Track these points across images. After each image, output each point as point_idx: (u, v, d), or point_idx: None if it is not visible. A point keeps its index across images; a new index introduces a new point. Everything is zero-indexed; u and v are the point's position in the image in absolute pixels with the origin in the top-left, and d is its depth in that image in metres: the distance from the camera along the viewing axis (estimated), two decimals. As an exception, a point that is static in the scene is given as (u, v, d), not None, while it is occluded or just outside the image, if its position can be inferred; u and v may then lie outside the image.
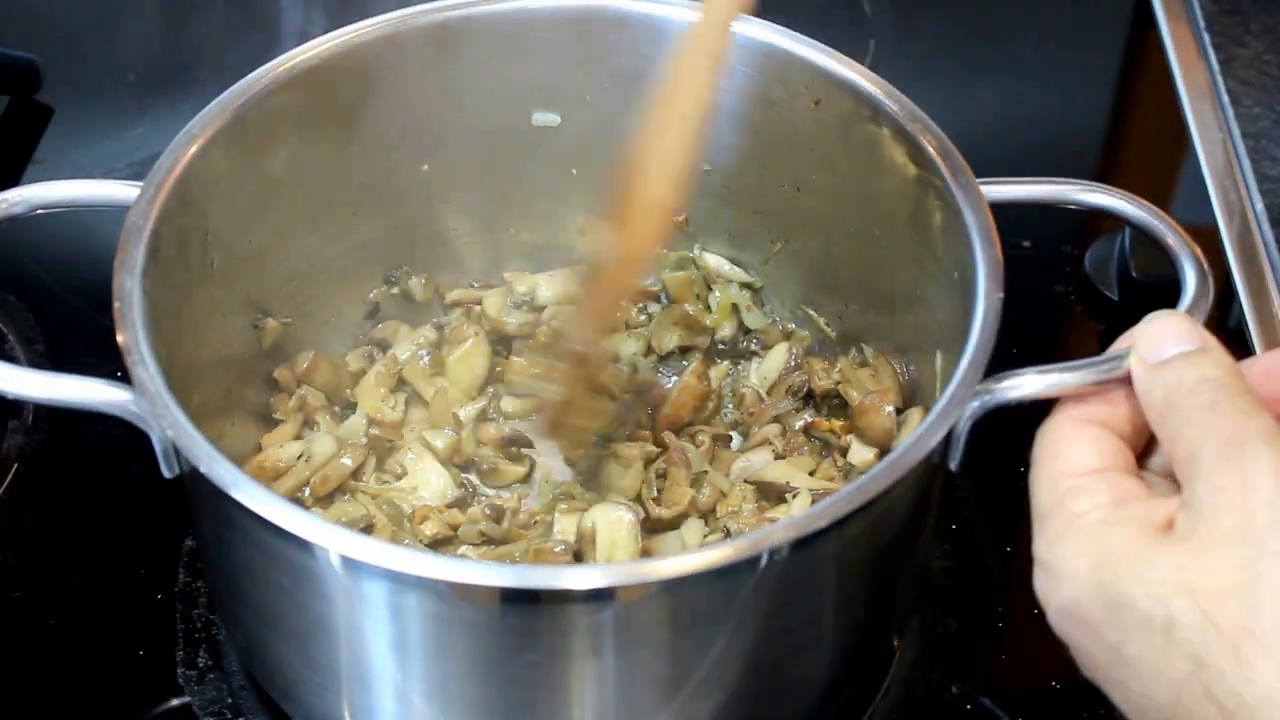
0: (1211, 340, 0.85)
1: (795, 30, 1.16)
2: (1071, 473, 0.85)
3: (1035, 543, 0.85)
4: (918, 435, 0.91)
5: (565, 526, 1.12)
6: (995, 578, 1.17)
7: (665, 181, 1.03)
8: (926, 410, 0.95)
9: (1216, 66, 1.60)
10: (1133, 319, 1.33)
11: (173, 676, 1.10)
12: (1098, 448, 0.86)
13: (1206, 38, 1.63)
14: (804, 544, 0.88)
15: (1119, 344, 0.90)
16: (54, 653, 1.12)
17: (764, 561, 0.88)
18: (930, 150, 1.06)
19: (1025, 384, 0.92)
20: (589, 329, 1.10)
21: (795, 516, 0.89)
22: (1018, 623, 1.15)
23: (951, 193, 1.04)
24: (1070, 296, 1.37)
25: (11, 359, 1.28)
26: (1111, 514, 0.82)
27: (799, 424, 1.20)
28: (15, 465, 1.23)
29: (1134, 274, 1.32)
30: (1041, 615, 1.15)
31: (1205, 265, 1.00)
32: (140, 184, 1.03)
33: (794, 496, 1.12)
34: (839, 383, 1.19)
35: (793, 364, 1.22)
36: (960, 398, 0.92)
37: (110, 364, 1.24)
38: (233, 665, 1.10)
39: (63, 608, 1.15)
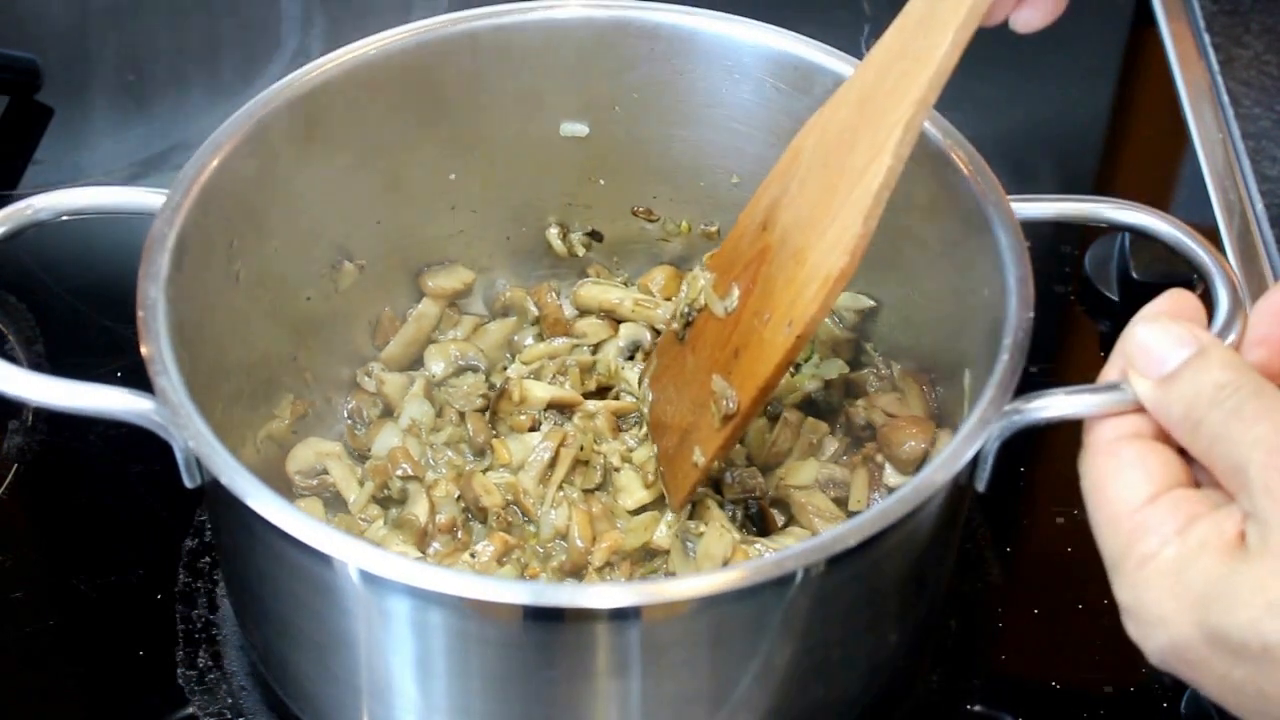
0: (1206, 337, 0.84)
1: (794, 30, 1.16)
2: (1128, 511, 0.83)
3: (1117, 590, 0.83)
4: (944, 458, 0.91)
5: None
6: (995, 578, 1.17)
7: (844, 250, 0.97)
8: (954, 431, 0.95)
9: (1216, 66, 1.60)
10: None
11: (173, 677, 1.10)
12: (1144, 470, 0.84)
13: (1206, 38, 1.63)
14: (831, 564, 0.88)
15: (1110, 368, 0.88)
16: (54, 653, 1.12)
17: (790, 581, 0.88)
18: (962, 167, 1.06)
19: (1054, 405, 0.91)
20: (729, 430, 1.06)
21: (824, 537, 0.89)
22: (1018, 623, 1.15)
23: (982, 211, 1.03)
24: (1070, 296, 1.37)
25: (12, 359, 1.28)
26: (1183, 547, 0.80)
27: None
28: (15, 465, 1.23)
29: (1134, 274, 1.32)
30: (1041, 615, 1.16)
31: (1239, 285, 0.99)
32: (166, 191, 1.03)
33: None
34: (867, 408, 1.19)
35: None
36: (987, 419, 0.92)
37: (110, 365, 1.26)
38: (233, 665, 1.10)
39: (63, 608, 1.15)
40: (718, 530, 1.10)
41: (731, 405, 1.05)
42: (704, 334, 1.10)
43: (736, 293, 1.06)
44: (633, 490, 1.16)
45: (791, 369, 1.24)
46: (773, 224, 1.04)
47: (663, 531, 1.13)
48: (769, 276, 1.03)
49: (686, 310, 1.13)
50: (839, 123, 1.00)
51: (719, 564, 1.08)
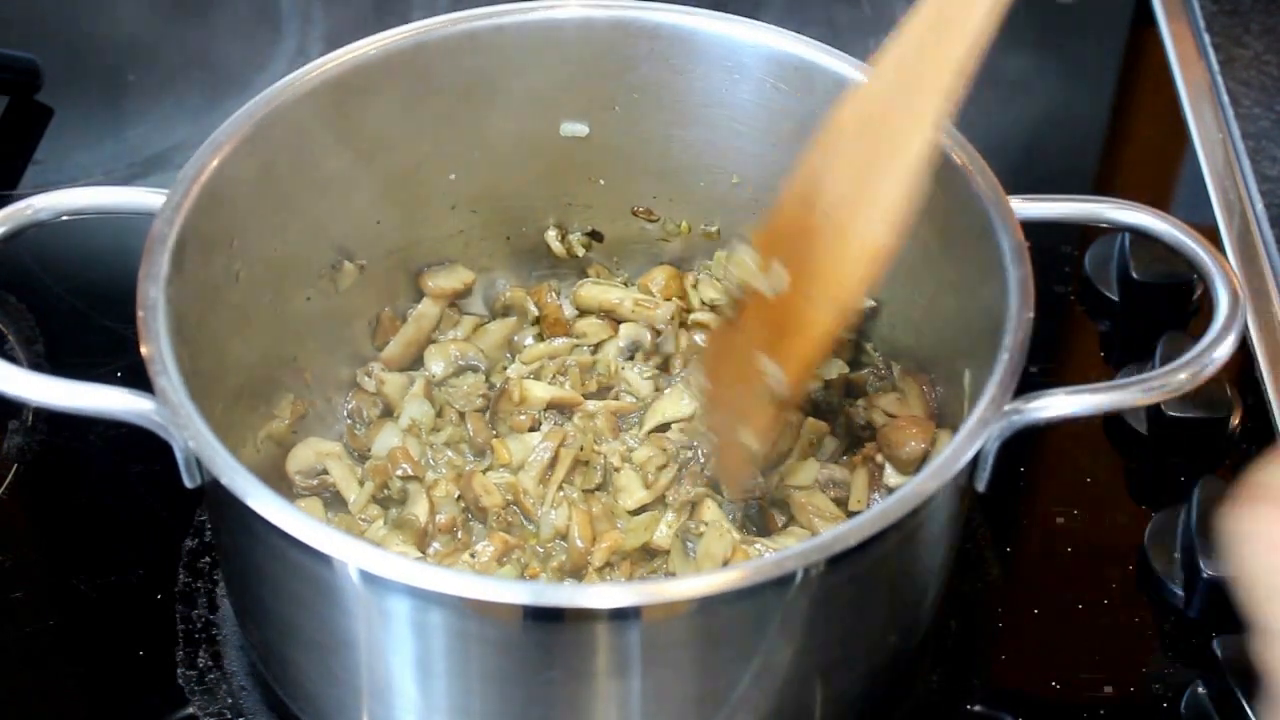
0: None
1: (794, 30, 1.16)
2: None
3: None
4: (944, 458, 0.91)
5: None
6: (995, 578, 1.17)
7: (887, 224, 0.96)
8: (954, 431, 0.95)
9: (1216, 66, 1.60)
10: (1133, 319, 1.34)
11: (173, 677, 1.10)
12: None
13: (1206, 38, 1.63)
14: (831, 564, 0.88)
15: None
16: (54, 653, 1.12)
17: (790, 581, 0.88)
18: (962, 166, 1.06)
19: (1054, 404, 0.92)
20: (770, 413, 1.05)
21: (824, 537, 0.89)
22: (1018, 623, 1.15)
23: (983, 210, 1.03)
24: (1070, 296, 1.37)
25: (11, 359, 1.28)
26: None
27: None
28: (15, 465, 1.23)
29: (1134, 274, 1.32)
30: (1041, 615, 1.16)
31: (1239, 285, 1.00)
32: (166, 191, 1.03)
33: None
34: (867, 408, 1.19)
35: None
36: (987, 419, 0.92)
37: (109, 364, 1.26)
38: (233, 665, 1.10)
39: (63, 608, 1.15)
40: (718, 530, 1.10)
41: (779, 386, 1.03)
42: (749, 315, 1.08)
43: (784, 272, 1.04)
44: (633, 490, 1.16)
45: None
46: (814, 199, 1.02)
47: (663, 531, 1.13)
48: (812, 253, 1.01)
49: (733, 291, 1.11)
50: (876, 95, 0.98)
51: (719, 564, 1.08)
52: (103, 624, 1.14)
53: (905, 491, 0.90)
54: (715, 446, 1.14)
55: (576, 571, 1.11)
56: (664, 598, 0.88)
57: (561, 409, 1.21)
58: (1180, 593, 1.15)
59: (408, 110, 1.17)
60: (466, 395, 1.23)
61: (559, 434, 1.17)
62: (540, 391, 1.20)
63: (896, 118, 0.96)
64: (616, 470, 1.17)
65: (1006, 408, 0.93)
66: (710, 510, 1.13)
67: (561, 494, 1.15)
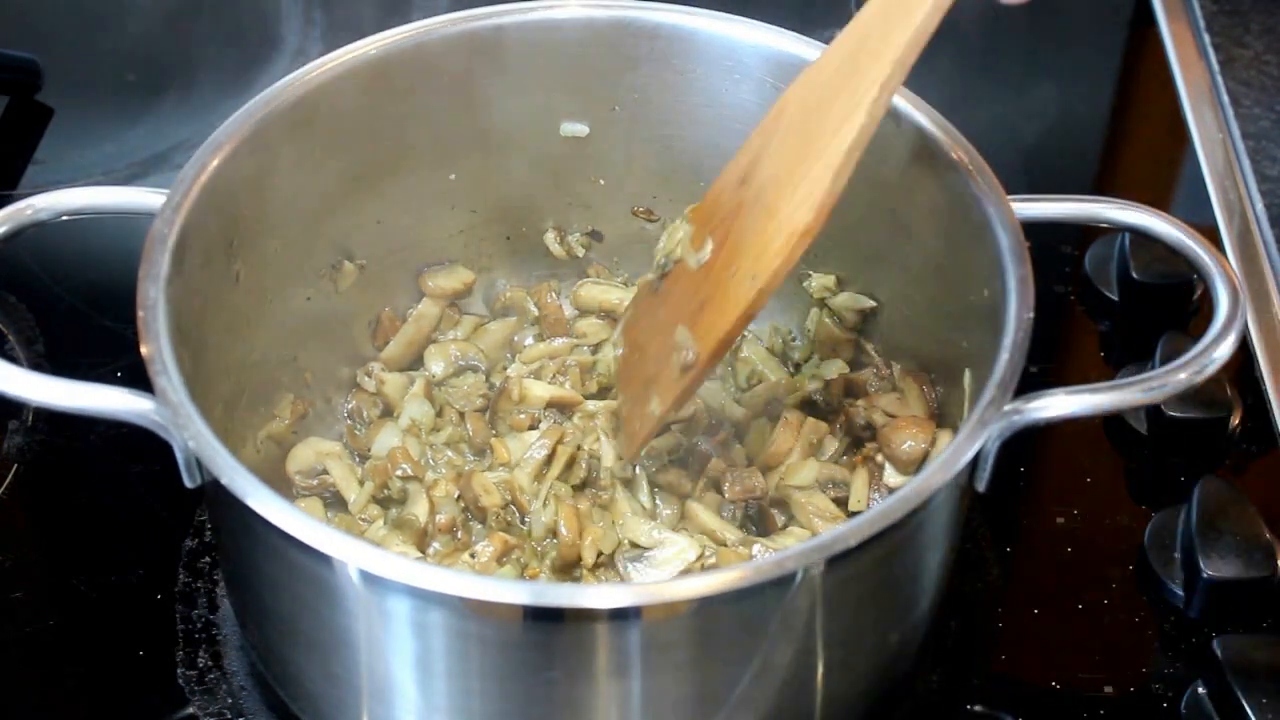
0: None
1: (793, 31, 1.16)
2: None
3: None
4: (944, 458, 0.91)
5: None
6: (995, 578, 1.17)
7: (811, 206, 0.98)
8: (954, 431, 0.95)
9: (1216, 66, 1.60)
10: (1133, 319, 1.34)
11: (173, 677, 1.10)
12: None
13: (1206, 38, 1.63)
14: (831, 564, 0.88)
15: None
16: (54, 653, 1.12)
17: (790, 581, 0.88)
18: (962, 167, 1.06)
19: (1054, 404, 0.92)
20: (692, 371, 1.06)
21: (824, 537, 0.89)
22: (1018, 623, 1.15)
23: (983, 210, 1.03)
24: (1070, 296, 1.37)
25: (12, 359, 1.28)
26: None
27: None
28: (15, 465, 1.23)
29: (1134, 274, 1.32)
30: (1042, 615, 1.16)
31: (1239, 285, 1.00)
32: (166, 191, 1.03)
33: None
34: (867, 408, 1.19)
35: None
36: (987, 419, 0.92)
37: (109, 364, 1.26)
38: (233, 665, 1.10)
39: (63, 608, 1.15)
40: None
41: (690, 356, 1.05)
42: (676, 286, 1.10)
43: (710, 246, 1.06)
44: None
45: (791, 369, 1.25)
46: (750, 179, 1.04)
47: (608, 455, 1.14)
48: (741, 230, 1.03)
49: (664, 261, 1.13)
50: (821, 82, 1.00)
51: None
52: (103, 624, 1.14)
53: (905, 491, 0.90)
54: (622, 407, 1.15)
55: (567, 566, 1.11)
56: (664, 598, 0.88)
57: (561, 408, 1.21)
58: (1180, 593, 1.15)
59: (407, 110, 1.17)
60: (466, 395, 1.23)
61: (556, 431, 1.17)
62: (540, 390, 1.20)
63: (835, 104, 0.98)
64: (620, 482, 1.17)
65: (1006, 408, 0.93)
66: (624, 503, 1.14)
67: (549, 490, 1.15)
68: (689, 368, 1.06)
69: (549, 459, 1.16)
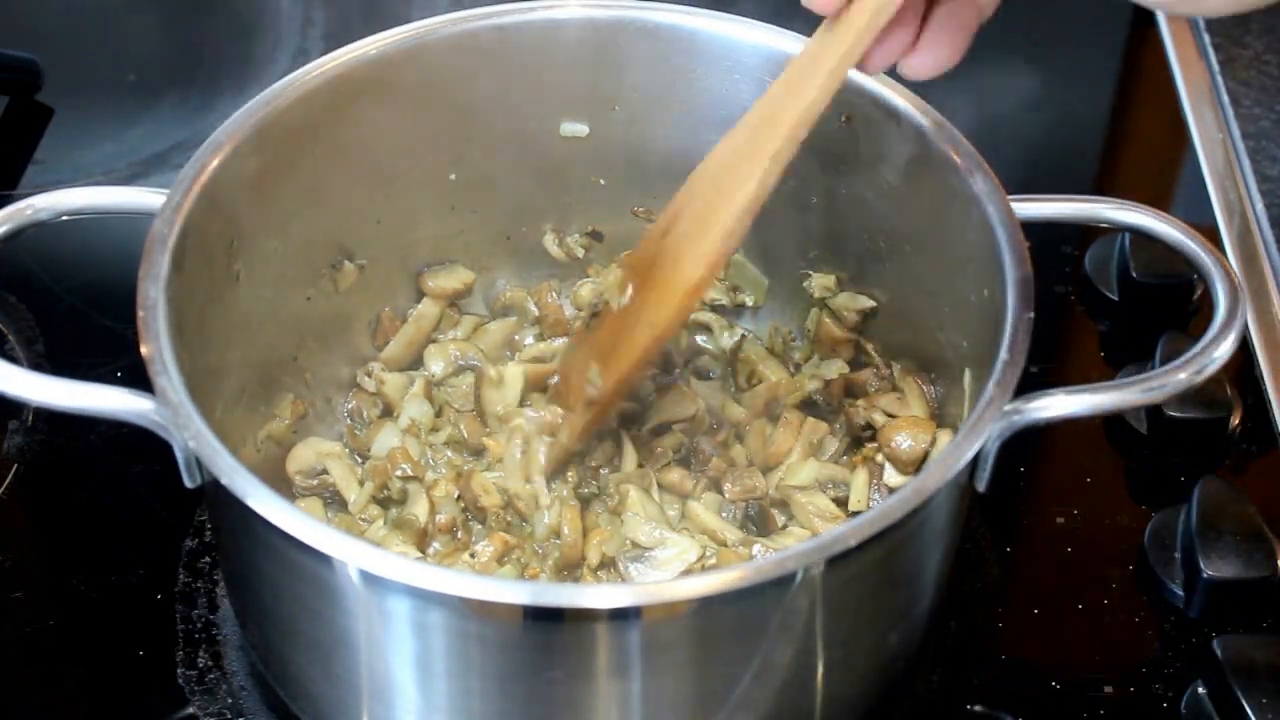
0: None
1: (794, 31, 1.16)
2: None
3: None
4: (944, 458, 0.91)
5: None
6: (995, 578, 1.17)
7: (704, 262, 1.05)
8: (954, 431, 0.95)
9: (1216, 66, 1.60)
10: (1133, 319, 1.34)
11: (173, 676, 1.10)
12: None
13: (1206, 38, 1.63)
14: (831, 564, 0.88)
15: None
16: (54, 653, 1.12)
17: (790, 581, 0.88)
18: (962, 167, 1.06)
19: (1054, 404, 0.92)
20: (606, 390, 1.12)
21: (824, 537, 0.89)
22: (1018, 623, 1.15)
23: (983, 210, 1.03)
24: (1070, 296, 1.37)
25: (12, 359, 1.28)
26: None
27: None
28: (15, 465, 1.23)
29: (1134, 274, 1.32)
30: (1042, 615, 1.16)
31: (1239, 285, 1.00)
32: (166, 191, 1.03)
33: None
34: (867, 408, 1.19)
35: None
36: (987, 419, 0.92)
37: (109, 364, 1.26)
38: (233, 665, 1.10)
39: (63, 608, 1.15)
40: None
41: (594, 392, 1.12)
42: (603, 326, 1.15)
43: (629, 291, 1.11)
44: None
45: (791, 369, 1.25)
46: (671, 231, 1.08)
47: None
48: (652, 280, 1.09)
49: (595, 301, 1.19)
50: (733, 148, 1.05)
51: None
52: (103, 624, 1.14)
53: (905, 491, 0.90)
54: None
55: (570, 567, 1.11)
56: (664, 598, 0.88)
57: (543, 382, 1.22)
58: (1180, 593, 1.15)
59: (407, 110, 1.17)
60: (466, 395, 1.23)
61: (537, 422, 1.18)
62: (515, 369, 1.21)
63: (738, 170, 1.04)
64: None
65: (1006, 408, 0.93)
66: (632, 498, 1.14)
67: (553, 491, 1.15)
68: (593, 403, 1.13)
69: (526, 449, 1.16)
